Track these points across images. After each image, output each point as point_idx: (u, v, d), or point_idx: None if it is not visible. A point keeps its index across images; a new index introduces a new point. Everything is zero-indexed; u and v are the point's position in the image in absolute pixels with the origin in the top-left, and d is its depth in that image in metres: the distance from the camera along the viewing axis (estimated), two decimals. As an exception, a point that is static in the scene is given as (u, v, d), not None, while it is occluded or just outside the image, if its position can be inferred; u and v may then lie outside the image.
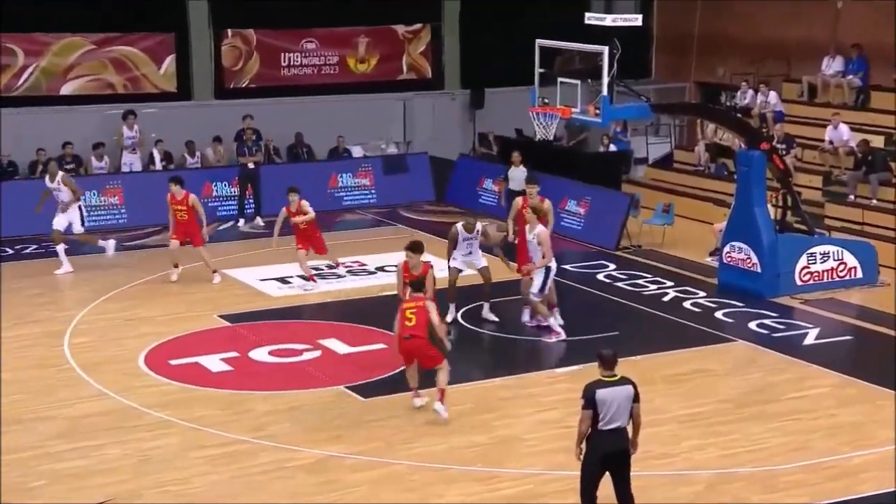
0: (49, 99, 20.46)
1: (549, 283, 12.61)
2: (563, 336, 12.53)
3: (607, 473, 7.88)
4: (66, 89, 20.69)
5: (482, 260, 13.56)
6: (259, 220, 18.95)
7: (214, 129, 20.54)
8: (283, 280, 15.49)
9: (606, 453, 7.74)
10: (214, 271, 15.36)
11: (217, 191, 19.67)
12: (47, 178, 16.12)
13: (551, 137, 16.54)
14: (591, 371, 11.60)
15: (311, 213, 14.87)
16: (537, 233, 12.39)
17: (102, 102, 20.73)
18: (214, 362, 12.01)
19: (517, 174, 17.63)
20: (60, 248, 15.81)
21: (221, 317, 13.66)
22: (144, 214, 18.67)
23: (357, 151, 22.04)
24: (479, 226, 13.61)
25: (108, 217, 18.88)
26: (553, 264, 12.58)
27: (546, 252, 12.38)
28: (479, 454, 9.63)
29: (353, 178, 20.78)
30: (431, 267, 11.28)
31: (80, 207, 16.09)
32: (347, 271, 15.97)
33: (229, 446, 9.80)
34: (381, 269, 16.04)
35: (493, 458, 9.51)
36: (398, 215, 19.82)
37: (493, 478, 9.17)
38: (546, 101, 15.72)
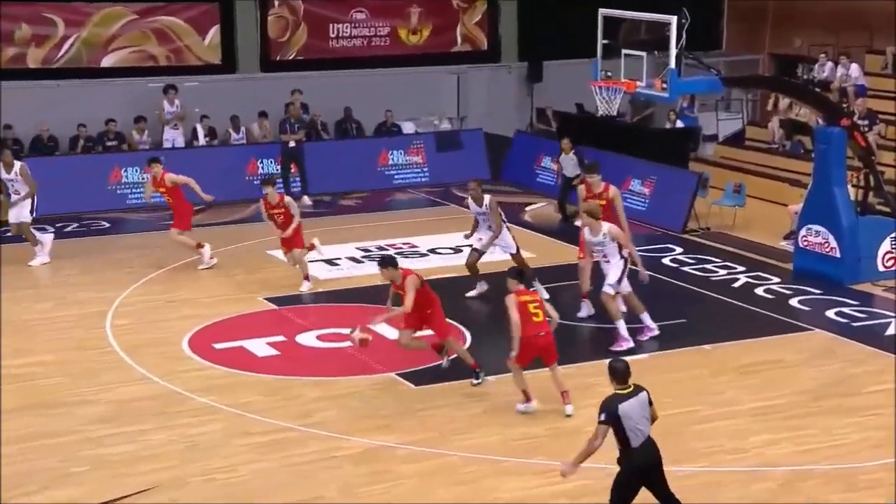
0: (90, 71, 20.74)
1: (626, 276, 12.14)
2: (630, 344, 11.98)
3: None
4: (108, 61, 20.96)
5: (512, 243, 13.55)
6: (306, 199, 19.06)
7: (260, 104, 20.68)
8: (331, 262, 15.57)
9: (644, 469, 7.71)
10: (199, 245, 15.18)
11: (263, 168, 19.81)
12: (2, 168, 15.52)
13: (614, 113, 16.36)
14: (658, 361, 11.68)
15: (297, 215, 14.15)
16: (607, 231, 11.97)
17: (144, 75, 20.96)
18: (260, 346, 12.13)
19: (567, 162, 17.53)
20: (48, 237, 15.63)
21: (267, 299, 13.78)
22: (188, 193, 18.80)
23: (408, 127, 22.05)
24: (487, 199, 13.55)
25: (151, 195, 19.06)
26: (626, 254, 12.15)
27: (626, 244, 12.01)
28: (537, 446, 9.62)
29: (404, 156, 20.81)
30: (412, 274, 10.99)
31: (33, 198, 15.56)
32: (398, 253, 15.99)
33: (276, 434, 9.90)
34: (433, 251, 16.07)
35: (551, 450, 9.49)
36: (451, 195, 19.81)
37: (551, 471, 9.13)
38: (609, 74, 15.57)
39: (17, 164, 15.57)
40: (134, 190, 18.77)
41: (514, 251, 13.77)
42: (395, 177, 20.66)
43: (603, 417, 7.61)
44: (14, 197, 15.50)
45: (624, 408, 7.60)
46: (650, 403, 7.77)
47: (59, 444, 9.61)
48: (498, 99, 23.25)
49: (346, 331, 12.46)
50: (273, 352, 11.98)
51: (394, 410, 10.42)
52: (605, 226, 11.99)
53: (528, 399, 10.33)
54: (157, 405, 10.54)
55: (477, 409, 10.45)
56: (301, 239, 14.25)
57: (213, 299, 13.82)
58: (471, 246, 13.99)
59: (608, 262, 12.08)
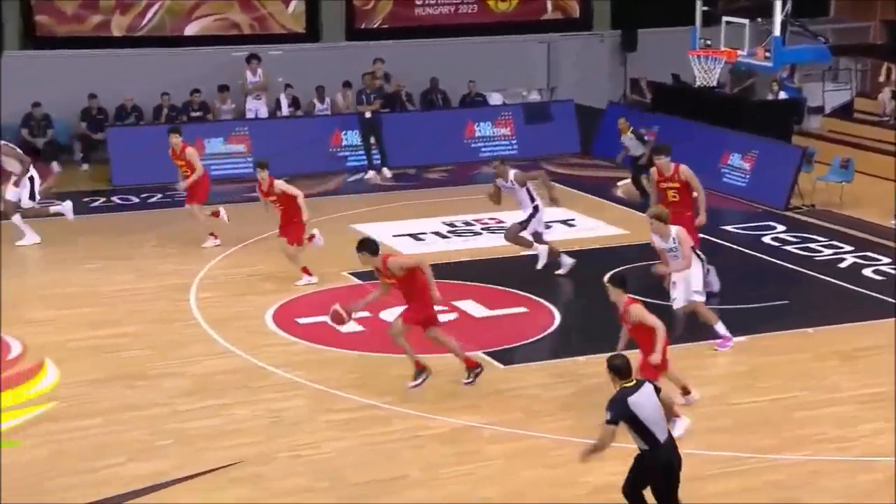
0: (173, 40, 21.11)
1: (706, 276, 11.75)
2: (732, 341, 11.54)
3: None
4: (191, 29, 21.31)
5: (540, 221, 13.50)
6: (386, 172, 19.17)
7: (344, 73, 20.80)
8: (415, 236, 15.66)
9: (673, 468, 7.51)
10: (211, 234, 14.91)
11: (346, 139, 19.97)
12: None
13: (714, 84, 16.18)
14: (757, 343, 11.51)
15: (299, 195, 13.37)
16: (675, 235, 11.27)
17: (228, 43, 21.27)
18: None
19: (629, 142, 17.25)
20: (17, 218, 15.25)
21: (352, 274, 13.92)
22: (272, 163, 18.99)
23: (496, 98, 22.01)
24: (512, 174, 13.43)
25: (233, 165, 19.40)
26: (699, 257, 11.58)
27: (685, 253, 11.22)
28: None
29: (491, 128, 20.78)
30: (391, 256, 10.55)
31: (31, 179, 15.24)
32: (484, 228, 16.03)
33: (360, 411, 10.02)
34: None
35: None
36: (540, 168, 19.72)
37: (645, 456, 9.10)
38: (709, 42, 15.39)
39: (2, 143, 15.21)
40: (216, 161, 19.09)
41: (520, 219, 13.68)
42: (482, 149, 20.65)
43: (609, 417, 7.36)
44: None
45: (633, 400, 7.43)
46: (658, 392, 7.60)
47: (144, 417, 9.87)
48: (590, 69, 23.04)
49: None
50: (357, 328, 12.10)
51: (480, 390, 10.45)
52: (674, 230, 11.32)
53: (686, 392, 9.96)
54: (241, 379, 10.75)
55: (566, 391, 10.44)
56: (297, 231, 13.41)
57: (297, 274, 14.00)
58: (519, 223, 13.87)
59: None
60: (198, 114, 20.38)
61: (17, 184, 15.18)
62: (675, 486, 7.54)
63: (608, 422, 7.38)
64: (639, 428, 7.39)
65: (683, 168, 12.70)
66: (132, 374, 10.90)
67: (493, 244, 15.28)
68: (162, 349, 11.56)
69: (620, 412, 7.38)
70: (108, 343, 11.71)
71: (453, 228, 15.98)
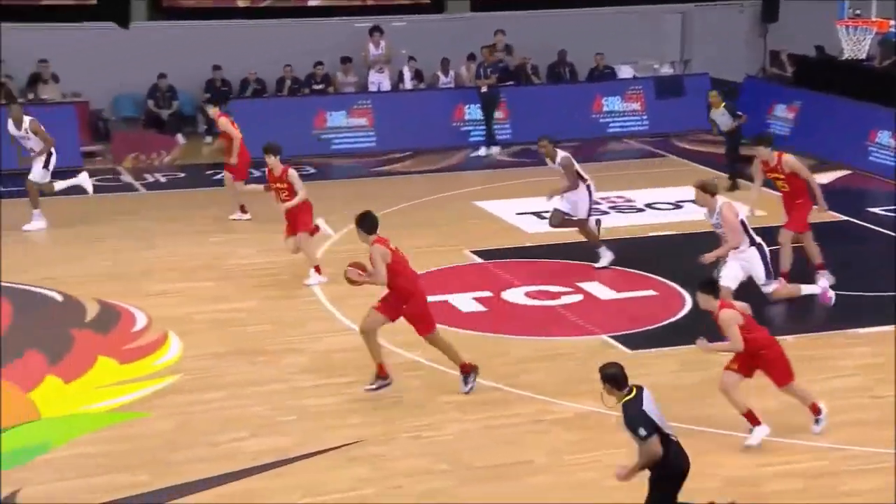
0: (297, 11, 21.47)
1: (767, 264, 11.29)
2: (831, 293, 11.42)
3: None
4: (314, 0, 21.62)
5: (583, 207, 13.17)
6: (494, 150, 19.18)
7: (469, 46, 20.84)
8: (539, 215, 15.63)
9: (685, 473, 7.37)
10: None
11: (469, 114, 20.04)
12: (11, 124, 15.09)
13: (863, 56, 15.65)
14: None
15: (301, 192, 12.90)
16: (720, 211, 10.98)
17: (351, 14, 21.52)
18: (466, 301, 12.36)
19: (719, 118, 16.72)
20: (59, 185, 15.22)
21: (473, 252, 14.00)
22: (394, 138, 19.34)
23: (626, 72, 21.77)
24: (560, 156, 13.05)
25: (356, 140, 19.65)
26: (753, 242, 11.25)
27: (730, 235, 11.01)
28: (765, 421, 9.39)
29: (620, 102, 20.58)
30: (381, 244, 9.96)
31: (50, 154, 15.10)
32: (611, 207, 15.91)
33: (481, 393, 10.09)
34: (650, 205, 15.88)
35: (781, 428, 9.25)
36: (671, 145, 19.48)
37: (781, 450, 8.95)
38: (858, 12, 14.91)
39: (27, 120, 15.07)
40: (338, 135, 19.37)
41: (580, 216, 13.27)
42: (610, 125, 20.48)
43: (645, 432, 7.17)
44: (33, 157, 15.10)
45: (646, 408, 7.28)
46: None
47: (265, 393, 10.14)
48: (727, 41, 22.58)
49: (554, 288, 12.59)
50: (479, 307, 12.19)
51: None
52: (720, 204, 11.00)
53: (754, 422, 9.06)
54: (361, 358, 10.87)
55: (695, 379, 10.32)
56: (305, 221, 12.95)
57: (417, 251, 14.05)
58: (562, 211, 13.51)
59: (742, 252, 11.16)
60: (320, 86, 20.70)
61: (45, 165, 15.10)
62: (675, 493, 7.42)
63: (647, 436, 7.19)
64: (659, 432, 7.29)
65: (787, 157, 12.34)
66: (253, 349, 11.19)
67: (621, 223, 15.17)
68: (282, 325, 11.83)
69: (649, 421, 7.23)
70: (231, 317, 12.03)
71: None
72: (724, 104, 16.77)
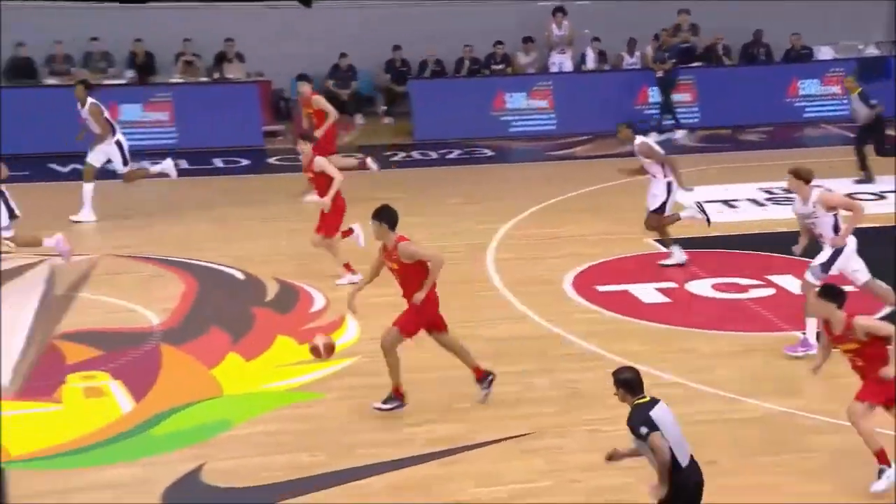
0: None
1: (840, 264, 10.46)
2: (807, 350, 10.35)
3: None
4: (497, -20, 21.67)
5: (659, 194, 12.63)
6: (677, 134, 18.83)
7: (655, 25, 20.48)
8: (728, 203, 15.27)
9: (700, 489, 6.98)
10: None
11: (653, 97, 19.72)
12: (79, 103, 14.90)
13: None
14: None
15: (336, 176, 12.08)
16: (817, 200, 10.19)
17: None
18: (648, 292, 12.17)
19: (856, 105, 15.79)
20: (88, 188, 14.86)
21: (656, 241, 13.76)
22: (575, 121, 19.18)
23: (825, 52, 20.98)
24: (638, 141, 12.44)
25: (536, 122, 19.60)
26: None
27: (853, 212, 10.11)
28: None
29: (819, 86, 19.92)
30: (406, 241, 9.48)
31: (118, 144, 14.92)
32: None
33: (663, 388, 9.81)
34: (850, 196, 15.12)
35: None
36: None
37: None
38: None
39: (89, 101, 14.85)
40: (517, 117, 19.34)
41: (654, 206, 12.69)
42: (807, 109, 19.80)
43: (645, 431, 6.84)
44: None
45: (655, 414, 6.91)
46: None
47: (441, 379, 10.17)
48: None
49: (743, 281, 12.24)
50: (662, 299, 11.97)
51: (797, 372, 10.05)
52: (816, 193, 10.19)
53: (884, 462, 8.13)
54: (538, 346, 10.89)
55: (898, 383, 9.84)
56: (329, 224, 12.23)
57: (598, 237, 14.01)
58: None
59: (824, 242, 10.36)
60: (499, 66, 20.73)
61: (99, 142, 14.89)
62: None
63: (648, 433, 6.87)
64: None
65: None
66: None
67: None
68: (457, 310, 11.77)
69: (650, 420, 6.89)
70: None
71: (771, 196, 15.44)
72: (860, 90, 15.90)
